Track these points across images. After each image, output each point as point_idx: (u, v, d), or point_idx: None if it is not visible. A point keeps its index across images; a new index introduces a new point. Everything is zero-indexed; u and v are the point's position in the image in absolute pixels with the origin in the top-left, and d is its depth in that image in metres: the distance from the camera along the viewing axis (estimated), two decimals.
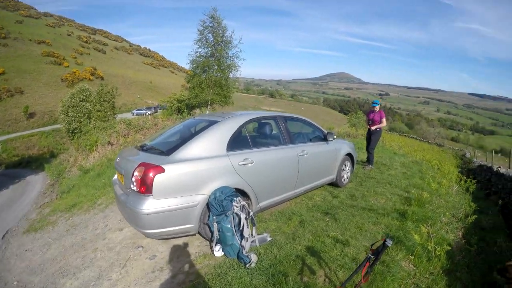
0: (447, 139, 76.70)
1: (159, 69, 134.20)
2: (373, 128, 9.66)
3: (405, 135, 50.46)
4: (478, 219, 6.99)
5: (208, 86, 26.77)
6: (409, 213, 5.68)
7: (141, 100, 72.53)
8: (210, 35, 26.50)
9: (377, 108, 9.78)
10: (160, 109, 48.15)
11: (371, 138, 9.76)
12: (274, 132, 5.77)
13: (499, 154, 45.79)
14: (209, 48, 26.68)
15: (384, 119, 9.59)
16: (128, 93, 71.11)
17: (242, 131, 4.89)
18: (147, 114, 42.96)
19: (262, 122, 5.78)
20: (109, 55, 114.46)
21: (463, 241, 5.58)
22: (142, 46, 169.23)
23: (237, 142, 4.68)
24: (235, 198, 4.01)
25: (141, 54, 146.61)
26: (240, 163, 4.47)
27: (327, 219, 5.32)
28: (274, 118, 5.76)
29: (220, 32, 26.41)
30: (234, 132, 4.67)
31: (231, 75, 27.67)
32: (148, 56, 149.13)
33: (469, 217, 6.18)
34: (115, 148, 16.74)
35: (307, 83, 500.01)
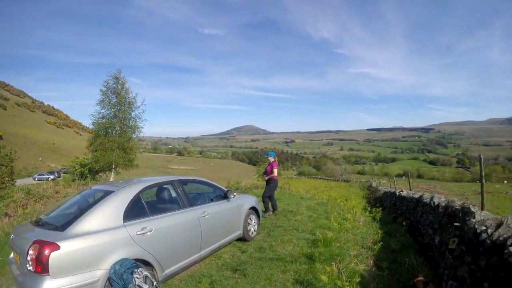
0: (354, 173, 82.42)
1: (62, 128, 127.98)
2: (266, 178, 10.23)
3: (313, 177, 53.24)
4: (387, 243, 7.30)
5: (111, 149, 25.68)
6: (316, 255, 5.73)
7: (43, 163, 68.11)
8: (113, 96, 25.91)
9: (271, 159, 10.28)
10: (63, 173, 44.71)
11: (266, 187, 10.26)
12: (172, 196, 5.72)
13: (403, 177, 50.12)
14: (112, 109, 25.94)
15: (275, 169, 10.06)
16: (29, 155, 66.47)
17: (139, 199, 4.78)
18: (49, 179, 40.13)
19: (159, 188, 5.71)
20: (10, 112, 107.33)
21: (374, 268, 5.70)
22: (46, 103, 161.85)
23: (134, 211, 4.54)
24: (135, 270, 3.83)
25: (44, 112, 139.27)
26: (138, 233, 4.33)
27: (237, 276, 5.21)
28: (171, 182, 5.70)
29: (123, 93, 25.96)
30: (130, 201, 4.54)
31: (134, 135, 27.09)
32: (52, 115, 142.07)
33: (377, 244, 6.41)
34: (13, 220, 14.93)
35: (215, 139, 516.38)
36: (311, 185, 24.28)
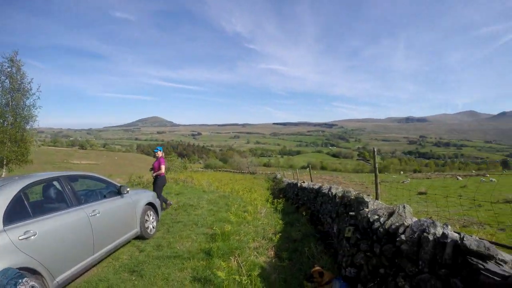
0: (260, 166, 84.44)
1: None
2: (154, 174, 9.74)
3: (220, 170, 53.36)
4: (289, 233, 7.42)
5: (1, 142, 22.60)
6: (214, 249, 5.63)
7: None
8: (7, 80, 22.77)
9: (159, 154, 9.91)
10: None
11: (154, 184, 9.74)
12: (59, 194, 5.17)
13: (307, 169, 53.00)
14: (4, 96, 22.82)
15: (163, 166, 9.65)
16: None
17: (20, 198, 4.22)
18: None
19: (44, 185, 5.19)
20: None
21: (275, 259, 5.71)
22: None
23: (15, 213, 4.01)
24: (20, 280, 3.34)
25: None
26: (21, 237, 3.82)
27: (134, 278, 4.94)
28: (57, 179, 5.12)
29: (18, 78, 22.97)
30: (10, 202, 4.00)
31: (28, 126, 24.22)
32: None
33: (277, 235, 6.46)
34: None
35: (119, 130, 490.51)
36: (215, 178, 24.36)
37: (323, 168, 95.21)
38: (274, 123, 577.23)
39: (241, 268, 4.57)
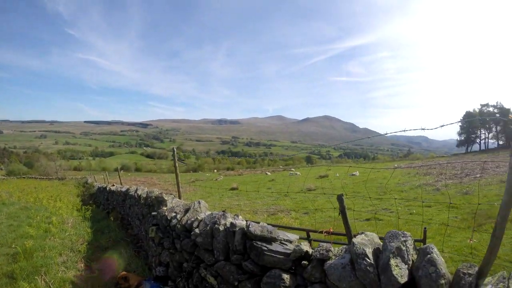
0: (70, 170, 76.76)
1: None
2: None
3: (24, 177, 46.24)
4: (99, 241, 7.03)
5: None
6: (17, 271, 4.98)
7: None
8: None
9: None
10: None
11: None
12: None
13: (121, 171, 50.92)
14: None
15: None
16: None
17: None
18: None
19: None
20: None
21: (85, 271, 5.48)
22: None
23: None
24: None
25: None
26: None
27: None
28: None
29: None
30: None
31: None
32: None
33: (83, 245, 6.10)
34: None
35: None
36: (18, 187, 21.10)
37: (137, 169, 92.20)
38: (85, 121, 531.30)
39: (50, 287, 4.08)
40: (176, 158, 5.92)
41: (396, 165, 34.41)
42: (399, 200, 11.17)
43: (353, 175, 24.14)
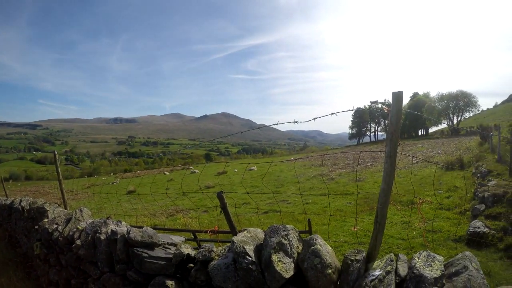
0: None
1: None
2: None
3: None
4: None
5: None
6: None
7: None
8: None
9: None
10: None
11: None
12: None
13: (10, 181, 45.30)
14: None
15: None
16: None
17: None
18: None
19: None
20: None
21: None
22: None
23: None
24: None
25: None
26: None
27: None
28: None
29: None
30: None
31: None
32: None
33: None
34: None
35: None
36: None
37: (28, 177, 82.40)
38: None
39: None
40: (58, 163, 5.43)
41: (293, 158, 36.62)
42: (296, 190, 11.94)
43: (251, 170, 26.06)
